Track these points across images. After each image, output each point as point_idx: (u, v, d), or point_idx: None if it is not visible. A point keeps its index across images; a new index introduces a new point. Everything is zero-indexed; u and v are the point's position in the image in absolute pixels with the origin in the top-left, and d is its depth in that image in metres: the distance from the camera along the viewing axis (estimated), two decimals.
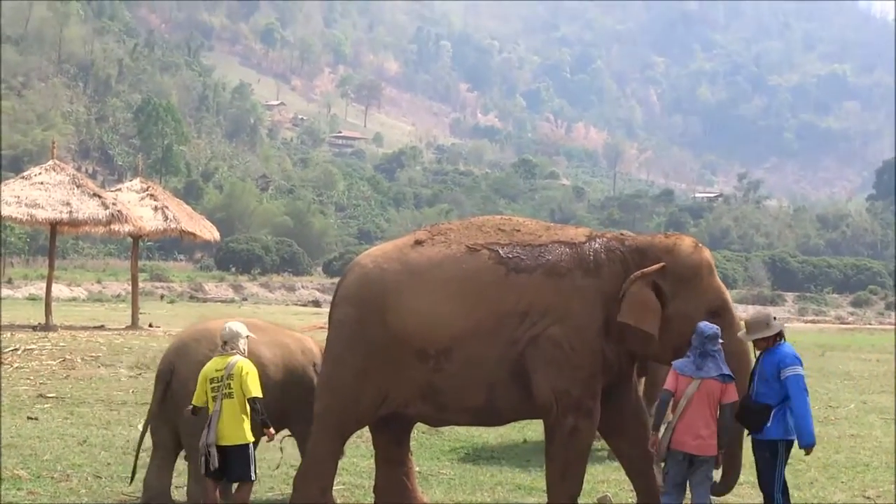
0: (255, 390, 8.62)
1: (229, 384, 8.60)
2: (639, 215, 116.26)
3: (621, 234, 9.71)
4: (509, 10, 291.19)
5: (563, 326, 8.88)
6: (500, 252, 9.09)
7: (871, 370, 24.05)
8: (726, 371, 8.61)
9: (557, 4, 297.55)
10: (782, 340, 9.00)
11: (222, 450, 8.57)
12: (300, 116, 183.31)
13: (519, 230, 9.36)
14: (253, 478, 8.79)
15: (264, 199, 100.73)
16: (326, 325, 9.58)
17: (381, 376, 8.97)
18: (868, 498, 10.80)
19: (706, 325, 8.69)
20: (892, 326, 50.07)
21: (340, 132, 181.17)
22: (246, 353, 8.87)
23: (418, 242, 9.27)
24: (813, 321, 54.79)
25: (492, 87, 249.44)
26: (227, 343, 8.83)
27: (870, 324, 53.03)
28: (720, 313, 9.03)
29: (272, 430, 8.78)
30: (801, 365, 8.78)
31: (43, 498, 9.42)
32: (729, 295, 9.46)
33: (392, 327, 8.91)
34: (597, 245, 9.24)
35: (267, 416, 8.67)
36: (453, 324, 8.90)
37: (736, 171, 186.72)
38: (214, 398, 8.63)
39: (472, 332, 8.88)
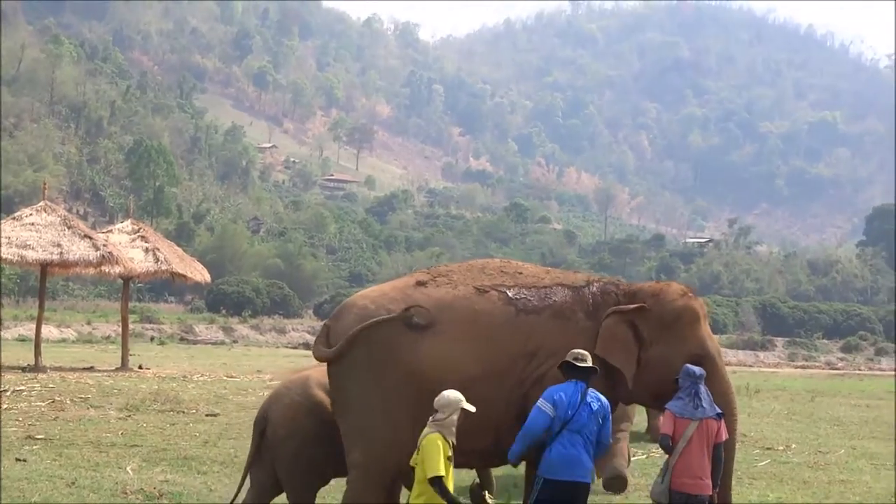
0: (432, 469, 8.00)
1: (415, 458, 8.20)
2: (630, 260, 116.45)
3: (615, 280, 9.95)
4: (502, 55, 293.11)
5: None
6: (509, 294, 9.24)
7: (861, 416, 24.07)
8: (718, 409, 8.86)
9: (550, 50, 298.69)
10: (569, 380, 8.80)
11: None
12: (292, 159, 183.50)
13: (521, 272, 9.56)
14: None
15: (255, 242, 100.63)
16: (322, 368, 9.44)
17: (408, 420, 8.80)
18: None
19: (693, 367, 8.91)
20: (882, 372, 50.11)
21: (332, 175, 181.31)
22: (450, 427, 8.15)
23: (420, 283, 9.26)
24: (803, 366, 54.84)
25: (484, 132, 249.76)
26: (436, 411, 8.22)
27: (860, 369, 53.07)
28: (701, 362, 9.14)
29: None
30: (550, 400, 8.51)
31: None
32: (715, 344, 9.58)
33: (405, 368, 8.85)
34: (595, 289, 9.51)
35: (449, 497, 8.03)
36: (467, 364, 8.93)
37: (726, 217, 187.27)
38: (414, 466, 8.24)
39: (484, 373, 8.95)
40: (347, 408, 8.92)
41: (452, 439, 8.13)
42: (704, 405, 8.83)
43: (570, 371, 8.65)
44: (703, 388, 8.90)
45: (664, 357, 9.20)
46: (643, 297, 9.41)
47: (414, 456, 8.24)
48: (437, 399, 8.19)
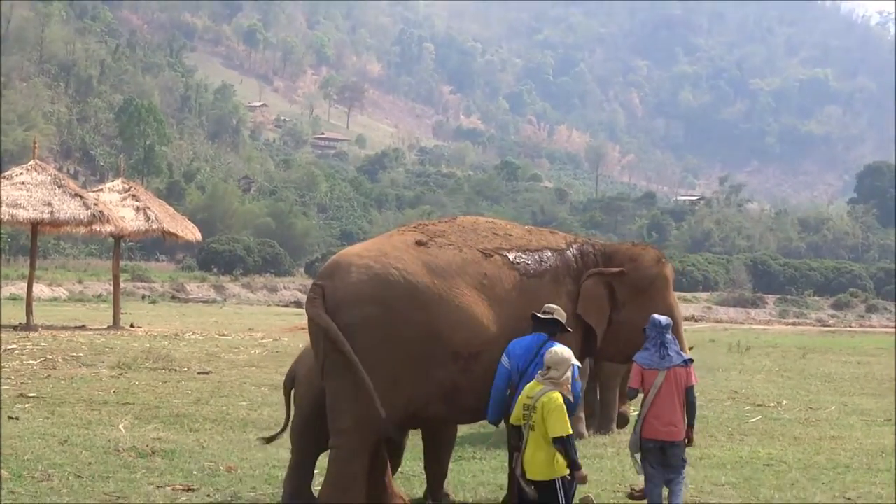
0: (560, 429, 7.96)
1: (532, 416, 8.09)
2: (621, 217, 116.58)
3: (590, 239, 10.19)
4: (492, 13, 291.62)
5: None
6: (510, 258, 9.37)
7: (851, 372, 24.10)
8: (687, 356, 9.09)
9: (540, 8, 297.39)
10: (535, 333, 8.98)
11: (531, 483, 8.12)
12: (282, 118, 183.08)
13: (510, 234, 9.67)
14: None
15: (246, 201, 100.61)
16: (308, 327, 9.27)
17: (412, 379, 8.79)
18: (849, 499, 10.79)
19: (660, 316, 9.17)
20: (873, 329, 50.21)
21: (323, 134, 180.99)
22: (566, 384, 8.19)
23: (420, 244, 9.18)
24: (794, 323, 54.96)
25: (474, 90, 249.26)
26: (549, 369, 8.19)
27: (850, 326, 53.16)
28: None
29: (582, 473, 8.13)
30: (506, 353, 8.77)
31: (24, 498, 9.37)
32: (680, 312, 9.94)
33: (424, 329, 8.75)
34: (576, 251, 9.77)
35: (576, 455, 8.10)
36: (485, 327, 8.97)
37: (717, 175, 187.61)
38: (524, 426, 8.23)
39: (497, 335, 8.98)
40: (347, 367, 8.62)
41: (570, 396, 8.17)
42: (671, 353, 9.01)
43: (535, 323, 8.85)
44: (669, 337, 9.09)
45: (633, 320, 9.52)
46: (621, 261, 9.72)
47: (517, 413, 8.28)
48: (549, 357, 8.18)
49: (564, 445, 7.94)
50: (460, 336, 8.83)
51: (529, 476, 8.07)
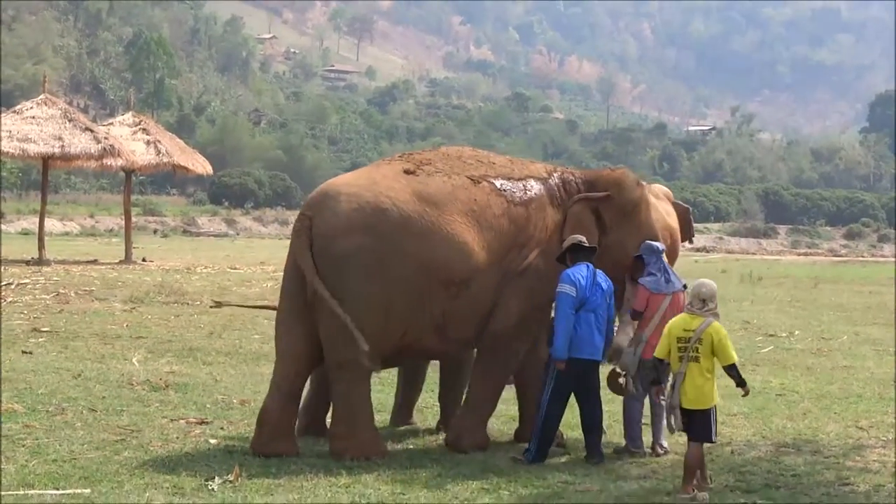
0: (733, 356, 8.16)
1: (697, 348, 8.11)
2: (632, 148, 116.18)
3: (570, 169, 10.15)
4: None
5: (545, 259, 9.25)
6: (497, 184, 9.29)
7: (863, 302, 24.12)
8: (684, 281, 9.32)
9: None
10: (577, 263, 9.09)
11: (685, 412, 8.19)
12: (292, 50, 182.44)
13: (493, 162, 9.65)
14: (714, 440, 8.45)
15: (257, 133, 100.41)
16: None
17: (406, 309, 8.75)
18: (861, 428, 10.80)
19: (654, 243, 9.40)
20: (885, 259, 50.16)
21: (333, 66, 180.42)
22: (718, 314, 8.31)
23: (408, 172, 9.10)
24: (806, 254, 54.97)
25: (484, 21, 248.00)
26: (705, 302, 8.22)
27: (862, 256, 53.18)
28: None
29: (747, 388, 8.35)
30: (571, 283, 8.86)
31: (38, 431, 9.40)
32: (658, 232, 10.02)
33: (418, 257, 8.71)
34: (558, 180, 9.74)
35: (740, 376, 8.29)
36: (476, 254, 8.95)
37: (729, 105, 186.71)
38: (681, 359, 8.19)
39: (486, 262, 9.00)
40: (341, 301, 8.53)
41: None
42: (672, 279, 9.25)
43: (578, 253, 8.98)
44: (665, 262, 9.36)
45: (621, 242, 9.58)
46: (605, 186, 9.66)
47: (665, 346, 8.28)
48: (704, 290, 8.19)
49: (736, 370, 8.14)
50: (453, 264, 8.80)
51: (686, 405, 8.15)
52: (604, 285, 8.99)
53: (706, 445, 8.32)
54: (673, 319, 8.43)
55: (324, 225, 8.74)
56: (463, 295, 8.92)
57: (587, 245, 9.04)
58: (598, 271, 9.00)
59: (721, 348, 8.08)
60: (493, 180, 9.30)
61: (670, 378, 8.45)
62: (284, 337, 9.02)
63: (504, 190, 9.29)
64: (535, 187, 9.50)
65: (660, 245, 9.45)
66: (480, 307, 9.05)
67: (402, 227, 8.70)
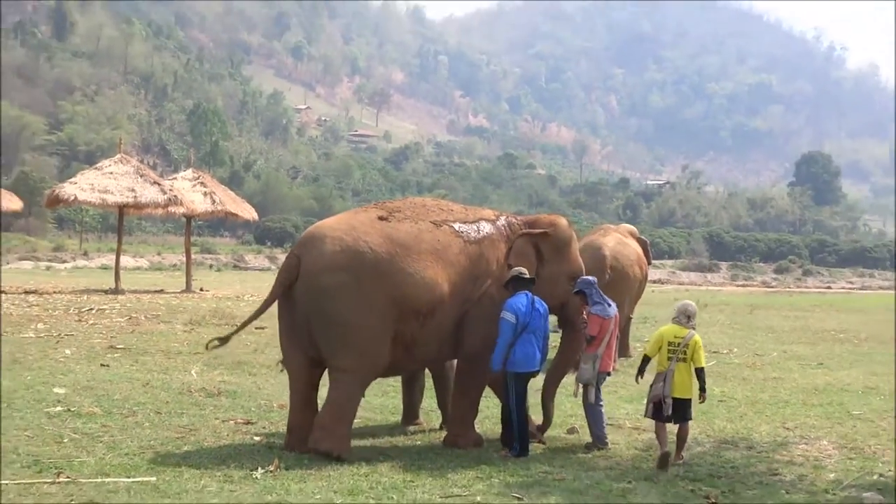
0: (703, 361, 9.02)
1: (685, 351, 8.90)
2: (601, 199, 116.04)
3: (513, 214, 10.23)
4: (495, 31, 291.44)
5: (497, 287, 9.29)
6: (456, 227, 9.37)
7: (790, 325, 24.09)
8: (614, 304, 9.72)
9: (535, 26, 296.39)
10: (518, 292, 9.22)
11: (674, 400, 8.91)
12: (323, 118, 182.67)
13: (452, 209, 9.71)
14: (690, 419, 9.17)
15: (294, 186, 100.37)
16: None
17: (383, 334, 8.74)
18: (787, 428, 10.87)
19: (588, 277, 9.73)
20: (808, 289, 50.14)
21: (356, 131, 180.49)
22: (695, 328, 9.18)
23: (382, 218, 9.13)
24: (743, 285, 54.79)
25: (481, 94, 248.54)
26: (690, 318, 9.08)
27: (789, 287, 53.01)
28: (576, 279, 9.74)
29: (705, 395, 9.15)
30: (513, 312, 8.98)
31: (114, 430, 9.44)
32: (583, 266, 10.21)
33: (390, 291, 8.70)
34: (504, 222, 9.83)
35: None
36: (439, 286, 8.96)
37: (681, 163, 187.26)
38: (670, 359, 8.92)
39: (449, 293, 9.03)
40: (331, 323, 8.61)
41: None
42: (609, 303, 9.50)
43: (519, 283, 9.11)
44: (600, 290, 9.62)
45: (554, 275, 9.70)
46: (543, 226, 9.79)
47: (656, 347, 9.02)
48: (690, 309, 9.10)
49: (702, 373, 8.97)
50: (418, 295, 8.82)
51: (675, 395, 8.89)
52: (541, 309, 9.08)
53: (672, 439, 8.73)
54: (664, 328, 9.11)
55: (311, 263, 8.78)
56: (429, 322, 8.95)
57: (526, 276, 9.13)
58: (536, 298, 9.08)
59: (697, 353, 8.90)
60: (452, 224, 9.37)
61: (664, 376, 8.98)
62: (286, 355, 9.17)
63: (461, 232, 9.35)
64: (486, 228, 9.57)
65: (592, 278, 9.68)
66: (443, 331, 9.10)
67: (376, 267, 8.74)
